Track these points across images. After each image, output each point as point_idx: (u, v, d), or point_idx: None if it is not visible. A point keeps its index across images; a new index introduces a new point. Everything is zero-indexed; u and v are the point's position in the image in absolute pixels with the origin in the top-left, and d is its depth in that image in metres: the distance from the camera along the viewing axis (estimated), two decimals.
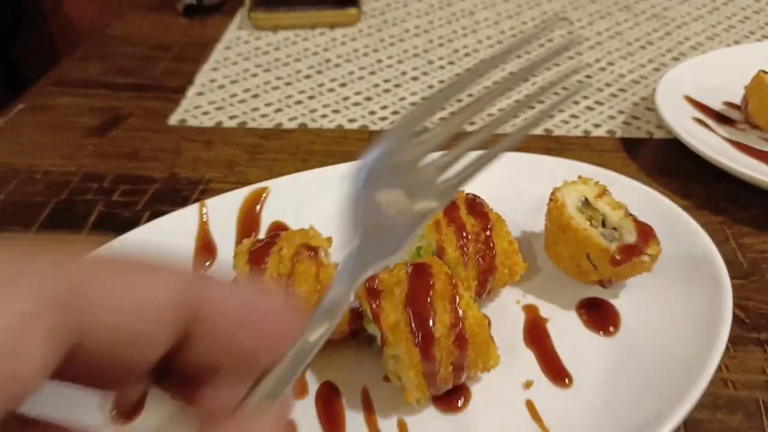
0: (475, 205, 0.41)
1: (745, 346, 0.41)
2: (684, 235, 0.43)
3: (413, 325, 0.33)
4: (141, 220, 0.52)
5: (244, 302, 0.22)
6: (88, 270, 0.19)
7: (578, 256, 0.40)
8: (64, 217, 0.54)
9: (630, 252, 0.39)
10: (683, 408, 0.33)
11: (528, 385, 0.37)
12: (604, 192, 0.43)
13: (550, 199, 0.42)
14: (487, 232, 0.40)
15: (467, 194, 0.43)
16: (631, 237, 0.40)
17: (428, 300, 0.33)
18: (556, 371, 0.38)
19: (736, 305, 0.44)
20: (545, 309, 0.41)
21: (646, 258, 0.39)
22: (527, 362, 0.38)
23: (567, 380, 0.37)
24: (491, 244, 0.39)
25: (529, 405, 0.36)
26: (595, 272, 0.40)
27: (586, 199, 0.42)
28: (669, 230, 0.44)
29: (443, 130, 0.29)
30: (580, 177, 0.44)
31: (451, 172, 0.28)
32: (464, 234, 0.39)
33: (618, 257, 0.39)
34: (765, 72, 0.57)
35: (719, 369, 0.40)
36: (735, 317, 0.43)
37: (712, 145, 0.55)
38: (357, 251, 0.25)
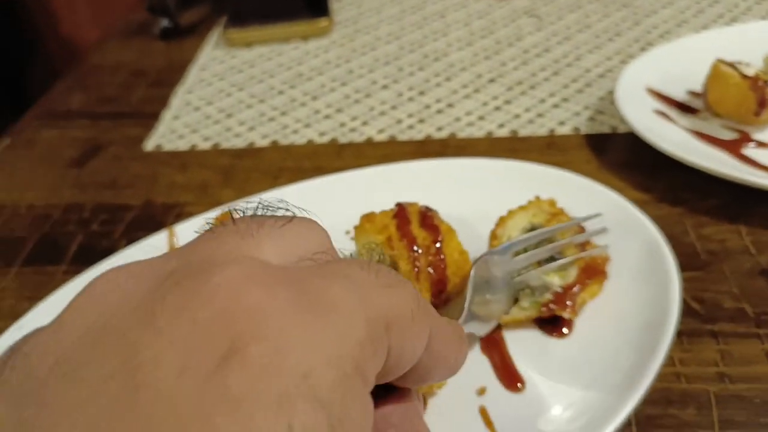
0: (426, 218, 0.43)
1: (700, 338, 0.42)
2: (635, 231, 0.44)
3: None
4: (117, 249, 0.54)
5: (448, 347, 0.24)
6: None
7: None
8: (46, 251, 0.56)
9: (553, 304, 0.40)
10: (627, 405, 0.34)
11: (482, 391, 0.38)
12: (557, 213, 0.43)
13: (492, 237, 0.43)
14: (438, 245, 0.41)
15: (420, 207, 0.44)
16: (571, 277, 0.41)
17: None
18: (509, 376, 0.39)
19: (692, 297, 0.45)
20: None
21: (566, 314, 0.40)
22: (482, 369, 0.40)
23: (520, 385, 0.38)
24: (442, 256, 0.41)
25: (482, 411, 0.37)
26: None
27: (534, 227, 0.43)
28: (620, 226, 0.45)
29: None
30: (536, 198, 0.44)
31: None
32: (415, 248, 0.41)
33: (542, 312, 0.40)
34: (722, 61, 0.57)
35: (672, 363, 0.41)
36: (690, 310, 0.44)
37: (672, 136, 0.55)
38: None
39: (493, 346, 0.41)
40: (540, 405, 0.37)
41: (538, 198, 0.45)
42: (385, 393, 0.23)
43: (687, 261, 0.47)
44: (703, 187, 0.52)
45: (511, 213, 0.44)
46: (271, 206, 0.23)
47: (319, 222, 0.24)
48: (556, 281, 0.41)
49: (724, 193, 0.52)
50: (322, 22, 0.83)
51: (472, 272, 0.39)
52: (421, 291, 0.40)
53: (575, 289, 0.40)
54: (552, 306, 0.40)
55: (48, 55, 1.97)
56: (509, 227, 0.43)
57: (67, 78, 0.85)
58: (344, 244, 0.48)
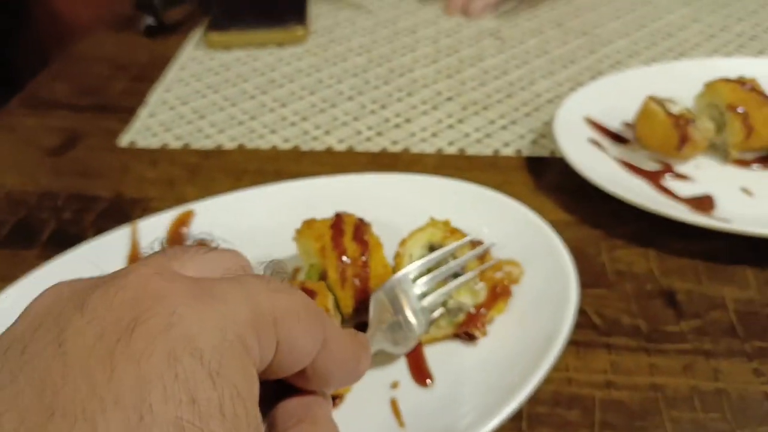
0: (358, 231, 0.48)
1: (594, 349, 0.47)
2: (548, 249, 0.49)
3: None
4: (86, 237, 0.58)
5: (346, 350, 0.28)
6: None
7: None
8: (21, 235, 0.60)
9: (468, 324, 0.45)
10: (512, 404, 0.39)
11: (395, 385, 0.44)
12: (453, 231, 0.49)
13: (396, 256, 0.48)
14: (364, 258, 0.46)
15: (356, 219, 0.49)
16: (481, 298, 0.46)
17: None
18: (421, 373, 0.44)
19: (594, 312, 0.50)
20: None
21: (478, 334, 0.45)
22: (399, 366, 0.45)
23: (429, 381, 0.44)
24: (367, 269, 0.46)
25: (393, 402, 0.42)
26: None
27: (432, 246, 0.49)
28: (535, 244, 0.50)
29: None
30: (431, 219, 0.50)
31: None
32: (344, 258, 0.46)
33: (458, 331, 0.45)
34: (652, 98, 0.63)
35: (566, 369, 0.46)
36: (590, 323, 0.49)
37: (601, 164, 0.61)
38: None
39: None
40: (444, 399, 0.42)
41: (433, 219, 0.50)
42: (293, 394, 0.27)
43: (595, 279, 0.53)
44: (621, 213, 0.58)
45: (411, 234, 0.49)
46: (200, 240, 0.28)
47: (241, 253, 0.28)
48: (468, 302, 0.46)
49: (640, 220, 0.57)
50: (299, 31, 0.88)
51: (372, 301, 0.44)
52: (345, 299, 0.45)
53: (482, 310, 0.45)
54: (466, 327, 0.45)
55: (38, 32, 1.99)
56: (409, 246, 0.48)
57: (52, 67, 0.89)
58: (289, 246, 0.53)
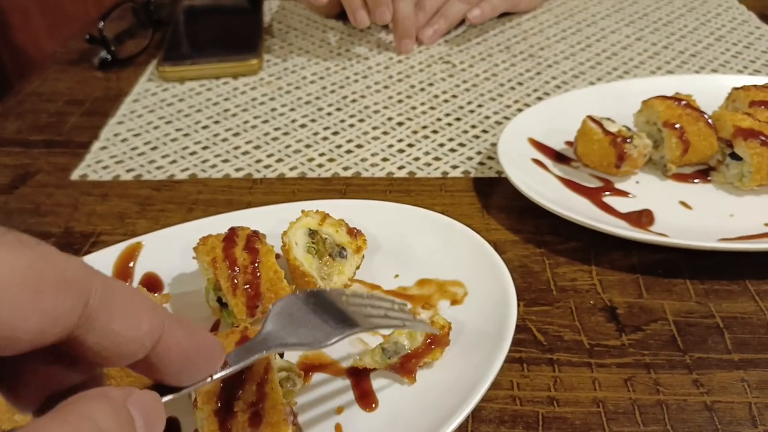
0: (250, 240, 0.50)
1: (538, 366, 0.48)
2: (490, 270, 0.50)
3: (221, 396, 0.39)
4: None
5: (189, 339, 0.29)
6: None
7: None
8: None
9: (399, 368, 0.45)
10: (454, 422, 0.40)
11: (339, 410, 0.44)
12: (325, 217, 0.53)
13: (282, 245, 0.51)
14: (255, 264, 0.48)
15: (250, 231, 0.51)
16: (418, 343, 0.46)
17: (242, 378, 0.39)
18: (365, 398, 0.44)
19: (538, 329, 0.51)
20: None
21: (406, 380, 0.45)
22: (344, 392, 0.45)
23: (373, 405, 0.44)
24: (258, 274, 0.48)
25: (337, 427, 0.43)
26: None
27: (312, 231, 0.52)
28: (477, 264, 0.51)
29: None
30: (302, 212, 0.53)
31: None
32: (235, 267, 0.48)
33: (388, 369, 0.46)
34: (591, 117, 0.64)
35: (511, 387, 0.47)
36: (534, 340, 0.50)
37: (544, 183, 0.62)
38: (282, 329, 0.37)
39: (355, 373, 0.46)
40: (387, 422, 0.43)
41: (304, 210, 0.53)
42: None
43: (540, 296, 0.54)
44: (564, 230, 0.59)
45: (290, 225, 0.52)
46: None
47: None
48: (405, 344, 0.46)
49: (582, 237, 0.58)
50: (252, 61, 0.89)
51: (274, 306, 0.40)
52: (238, 305, 0.46)
53: (415, 359, 0.45)
54: (397, 371, 0.45)
55: (1, 64, 1.97)
56: (291, 235, 0.51)
57: (4, 104, 0.89)
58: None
